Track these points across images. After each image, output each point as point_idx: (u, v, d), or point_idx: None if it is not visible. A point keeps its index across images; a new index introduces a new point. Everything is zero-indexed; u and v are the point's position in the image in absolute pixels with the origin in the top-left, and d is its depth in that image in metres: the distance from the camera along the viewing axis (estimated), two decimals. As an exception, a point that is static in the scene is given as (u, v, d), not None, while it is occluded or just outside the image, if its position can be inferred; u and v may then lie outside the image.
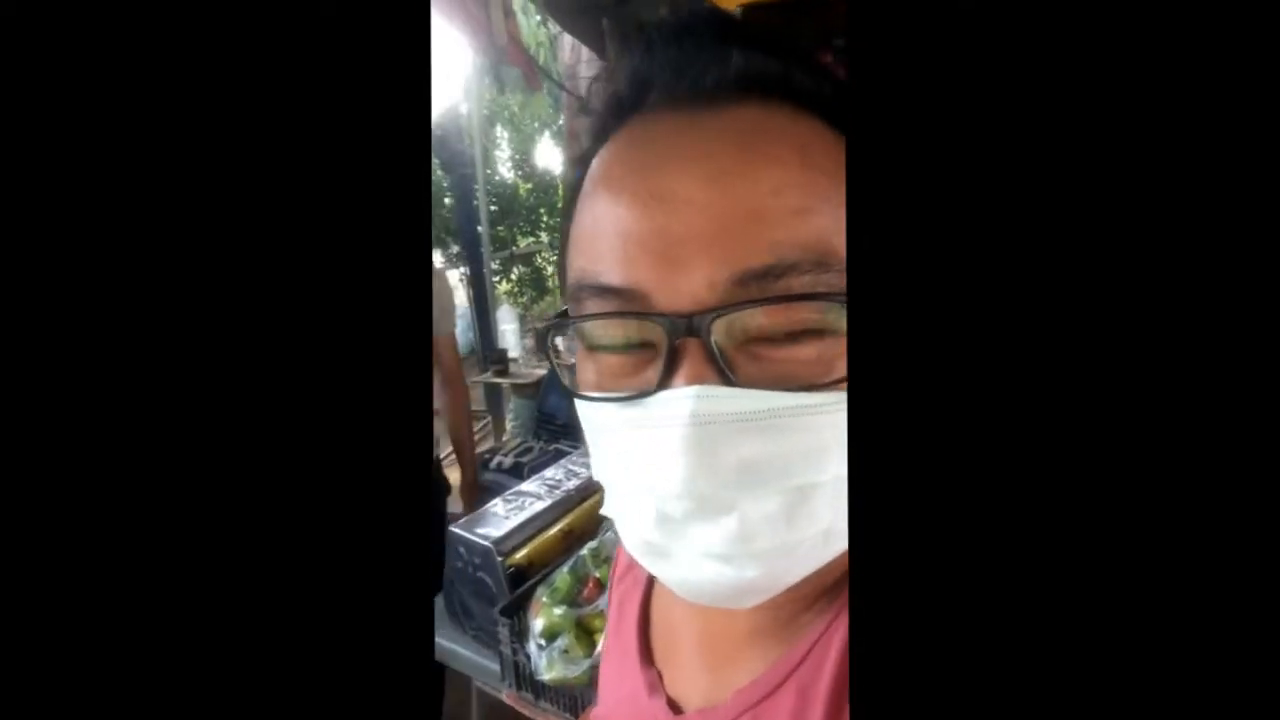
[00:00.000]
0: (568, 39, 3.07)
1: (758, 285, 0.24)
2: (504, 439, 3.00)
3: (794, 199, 0.24)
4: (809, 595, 0.29)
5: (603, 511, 0.30)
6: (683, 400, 0.24)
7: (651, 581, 0.41)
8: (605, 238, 0.26)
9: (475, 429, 3.78)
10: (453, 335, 1.49)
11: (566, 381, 0.30)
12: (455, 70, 3.52)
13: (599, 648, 0.85)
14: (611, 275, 0.26)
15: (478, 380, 3.41)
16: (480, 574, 1.10)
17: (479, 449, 1.96)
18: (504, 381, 3.01)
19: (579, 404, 0.29)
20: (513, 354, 3.25)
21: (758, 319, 0.24)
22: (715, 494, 0.24)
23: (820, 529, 0.25)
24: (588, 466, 1.34)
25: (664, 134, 0.27)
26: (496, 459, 1.86)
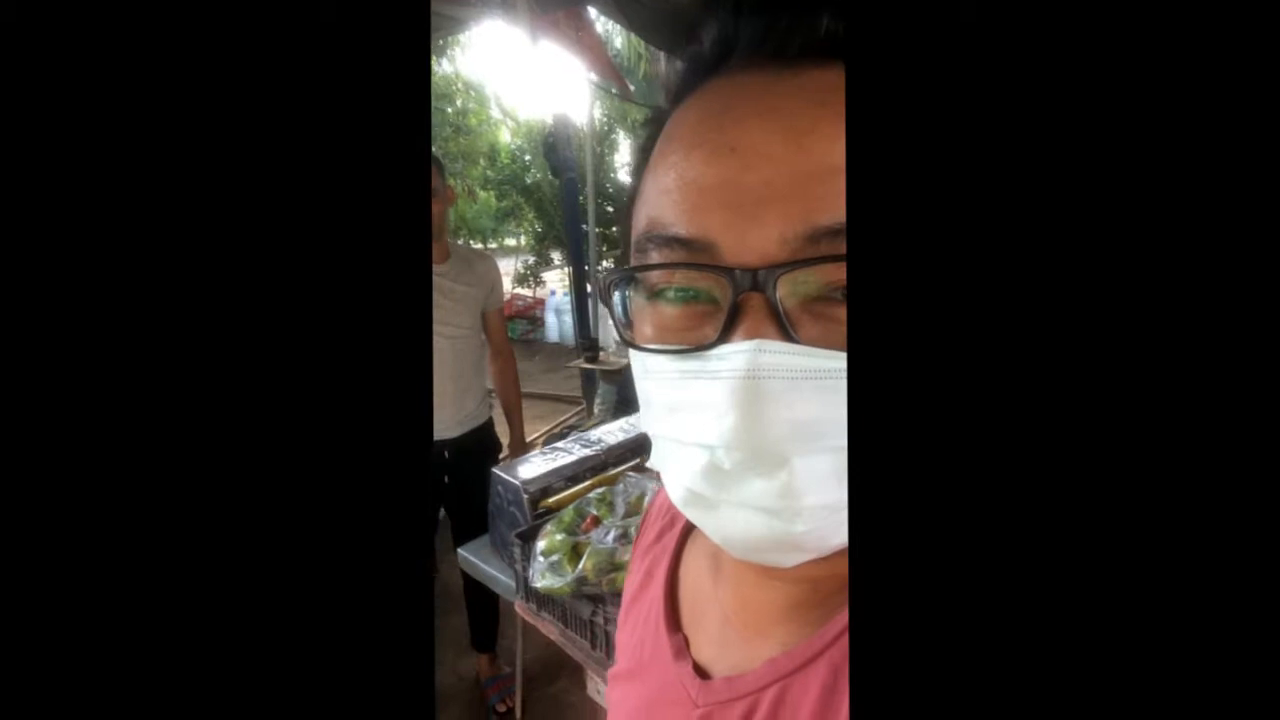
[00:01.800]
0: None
1: (829, 243, 0.23)
2: (591, 420, 3.26)
3: None
4: (843, 575, 0.28)
5: (649, 464, 0.30)
6: (742, 354, 0.24)
7: (679, 552, 0.41)
8: (676, 189, 0.26)
9: (571, 412, 4.08)
10: (501, 310, 1.72)
11: (623, 333, 0.29)
12: (568, 82, 3.85)
13: (579, 568, 1.03)
14: (679, 225, 0.25)
15: (572, 365, 3.72)
16: (512, 508, 1.33)
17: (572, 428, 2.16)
18: (594, 367, 3.26)
19: (634, 356, 0.29)
20: (608, 344, 3.50)
21: (822, 277, 0.24)
22: (767, 448, 0.24)
23: None
24: (624, 431, 1.53)
25: (743, 91, 0.26)
26: (574, 433, 2.09)
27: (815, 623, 0.29)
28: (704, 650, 0.35)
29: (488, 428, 1.74)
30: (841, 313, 0.24)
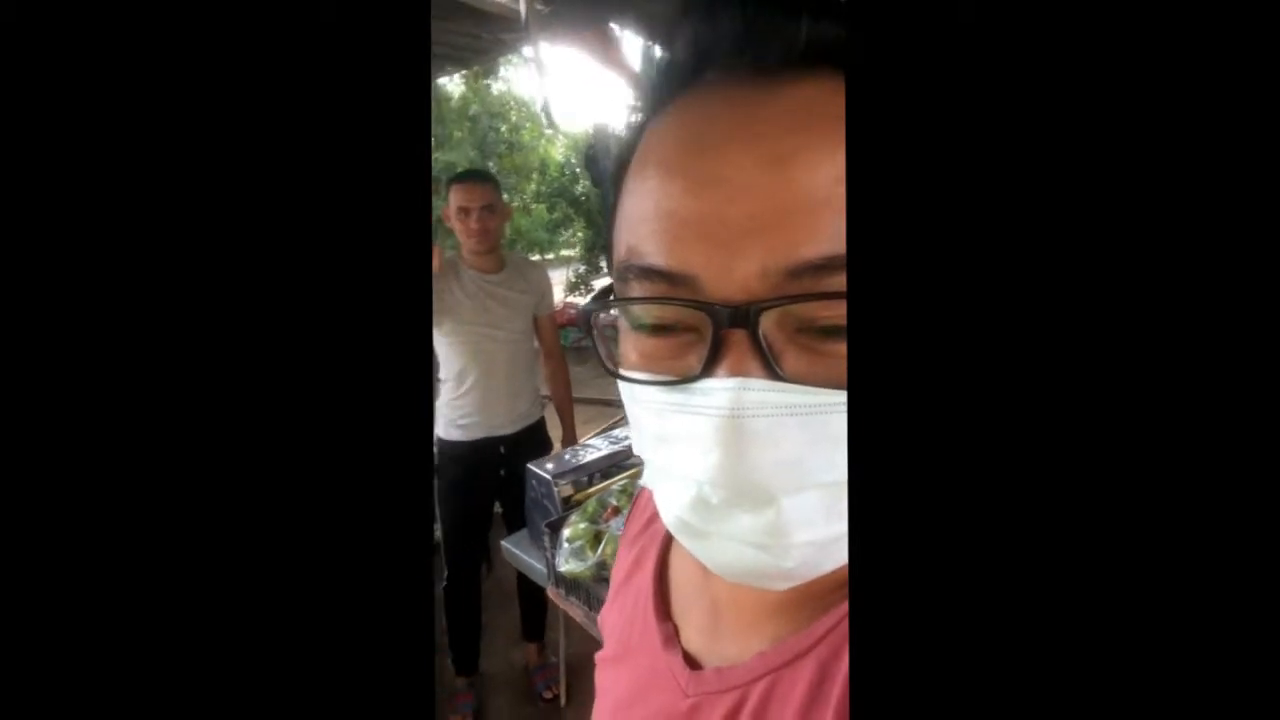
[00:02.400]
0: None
1: (812, 277, 0.23)
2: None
3: None
4: (836, 575, 0.28)
5: (641, 483, 0.30)
6: (724, 391, 0.23)
7: (669, 541, 0.40)
8: (655, 218, 0.25)
9: (620, 414, 4.17)
10: (552, 316, 1.83)
11: (605, 359, 0.29)
12: (606, 94, 3.96)
13: (599, 553, 1.12)
14: (660, 257, 0.25)
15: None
16: (545, 500, 1.43)
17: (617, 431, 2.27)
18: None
19: (620, 383, 0.28)
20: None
21: (807, 311, 0.23)
22: (753, 486, 0.24)
23: None
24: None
25: (721, 111, 0.25)
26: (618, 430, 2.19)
27: (805, 619, 0.29)
28: (693, 640, 0.35)
29: (539, 426, 1.85)
30: (827, 346, 0.24)
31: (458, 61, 2.93)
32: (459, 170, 2.19)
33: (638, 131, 0.28)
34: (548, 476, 1.40)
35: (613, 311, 0.28)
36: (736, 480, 0.24)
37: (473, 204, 1.62)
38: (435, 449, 1.79)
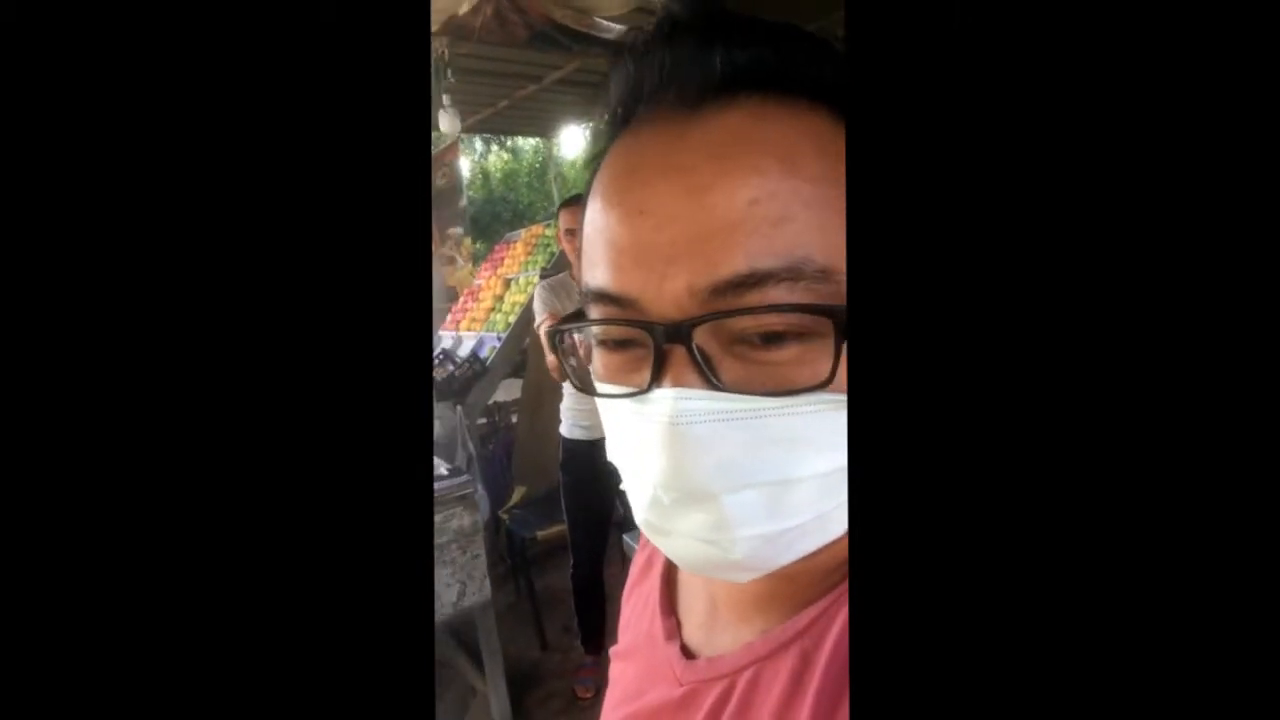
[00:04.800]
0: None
1: (734, 294, 0.25)
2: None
3: (772, 208, 0.25)
4: (820, 569, 0.30)
5: (621, 487, 0.31)
6: (665, 401, 0.26)
7: None
8: (601, 247, 0.28)
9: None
10: None
11: (572, 375, 0.32)
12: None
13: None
14: (606, 282, 0.27)
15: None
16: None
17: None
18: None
19: (595, 395, 0.31)
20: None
21: (737, 325, 0.25)
22: (697, 486, 0.26)
23: (802, 520, 0.27)
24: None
25: (650, 145, 0.27)
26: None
27: (791, 612, 0.31)
28: (694, 634, 0.37)
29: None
30: (761, 354, 0.26)
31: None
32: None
33: (595, 167, 0.31)
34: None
35: (583, 332, 0.31)
36: (681, 482, 0.26)
37: (579, 226, 1.79)
38: (560, 448, 1.98)
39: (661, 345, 0.26)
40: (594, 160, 0.31)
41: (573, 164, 8.54)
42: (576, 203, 1.97)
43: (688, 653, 0.36)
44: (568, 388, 1.90)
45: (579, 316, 0.31)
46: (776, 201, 0.25)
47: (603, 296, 0.28)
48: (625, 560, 1.94)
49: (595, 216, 0.29)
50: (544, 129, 4.61)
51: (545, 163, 8.43)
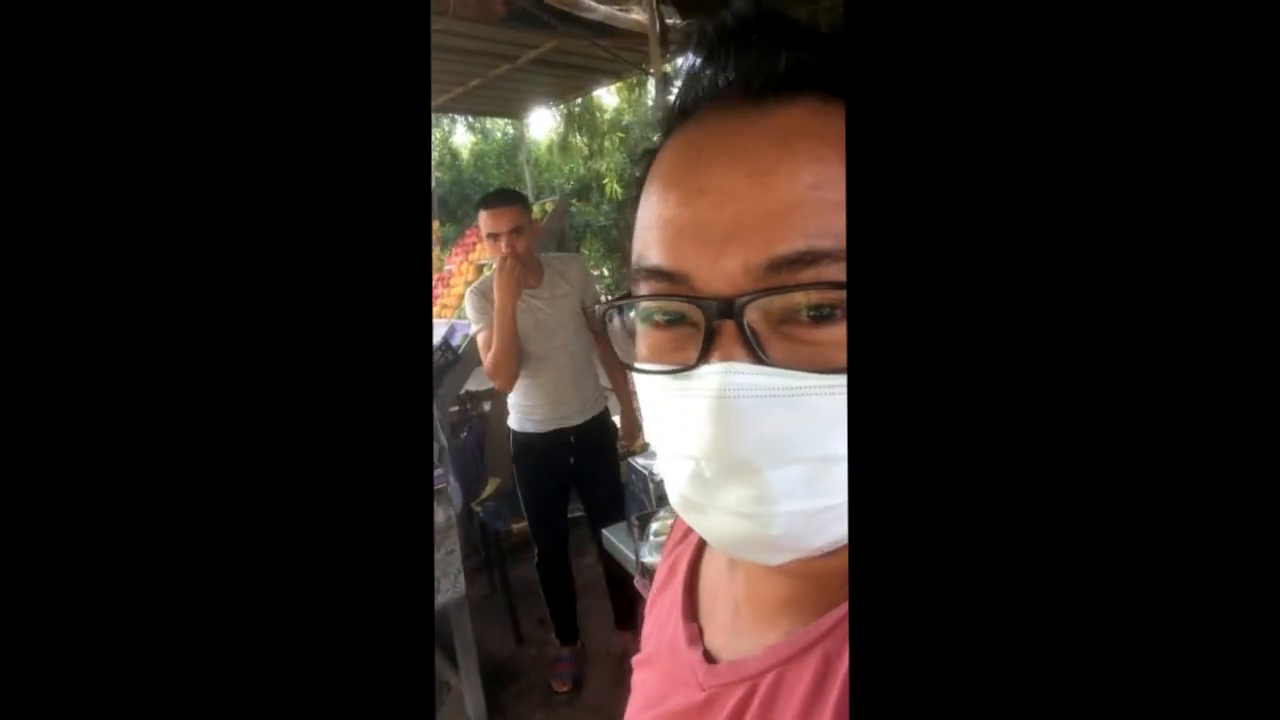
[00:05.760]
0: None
1: (789, 271, 0.26)
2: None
3: (831, 193, 0.26)
4: (843, 571, 0.29)
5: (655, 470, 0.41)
6: (715, 375, 0.27)
7: (701, 549, 0.44)
8: (657, 226, 0.29)
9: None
10: (598, 300, 1.95)
11: (621, 355, 0.33)
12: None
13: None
14: (660, 259, 0.28)
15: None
16: (641, 494, 1.53)
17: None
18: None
19: (634, 374, 0.31)
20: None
21: (788, 302, 0.26)
22: (741, 459, 0.27)
23: (838, 500, 0.27)
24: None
25: (713, 135, 0.29)
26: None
27: (814, 615, 0.31)
28: (715, 638, 0.38)
29: (604, 415, 2.01)
30: (808, 333, 0.27)
31: (613, 75, 3.02)
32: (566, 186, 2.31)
33: (650, 158, 0.32)
34: (644, 470, 1.50)
35: (627, 312, 0.32)
36: (726, 455, 0.27)
37: (500, 229, 1.73)
38: (511, 442, 1.97)
39: (713, 321, 0.27)
40: (646, 155, 0.32)
41: (546, 146, 8.39)
42: (500, 203, 1.77)
43: (710, 657, 0.37)
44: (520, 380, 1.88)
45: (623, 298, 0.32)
46: (834, 188, 0.26)
47: (656, 273, 0.29)
48: (600, 552, 1.93)
49: (654, 199, 0.30)
50: (516, 110, 4.50)
51: (516, 144, 8.28)
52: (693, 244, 0.28)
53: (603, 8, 2.02)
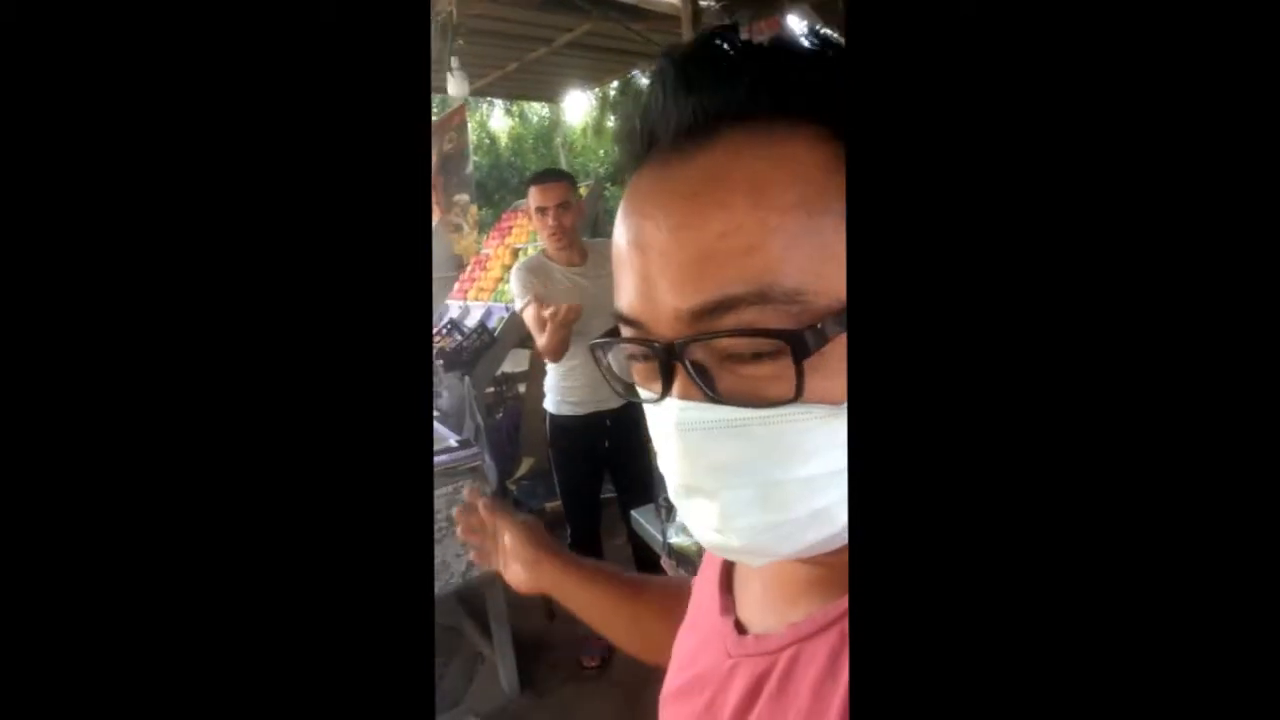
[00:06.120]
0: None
1: (711, 317, 0.28)
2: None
3: (739, 240, 0.27)
4: None
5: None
6: (671, 410, 0.30)
7: None
8: (620, 274, 0.32)
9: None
10: None
11: (613, 384, 0.36)
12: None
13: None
14: (622, 305, 0.32)
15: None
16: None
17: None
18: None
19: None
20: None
21: (720, 344, 0.28)
22: (700, 483, 0.30)
23: (795, 515, 0.29)
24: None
25: (648, 185, 0.30)
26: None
27: (834, 597, 0.33)
28: (747, 611, 0.40)
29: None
30: (748, 369, 0.28)
31: (647, 58, 3.02)
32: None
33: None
34: (672, 453, 1.52)
35: (610, 350, 0.35)
36: (689, 479, 0.30)
37: (549, 203, 1.77)
38: (548, 425, 2.00)
39: (666, 361, 0.30)
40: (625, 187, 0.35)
41: (582, 130, 8.38)
42: (549, 179, 1.79)
43: (740, 628, 0.39)
44: (551, 364, 1.90)
45: (615, 332, 0.34)
46: (743, 234, 0.27)
47: (622, 318, 0.32)
48: (629, 534, 1.96)
49: (617, 246, 0.32)
50: (552, 93, 4.51)
51: (552, 128, 8.29)
52: (639, 294, 0.30)
53: (634, -12, 2.00)
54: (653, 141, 0.31)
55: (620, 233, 0.32)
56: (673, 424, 0.29)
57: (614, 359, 0.36)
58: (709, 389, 0.29)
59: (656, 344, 0.30)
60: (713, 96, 0.29)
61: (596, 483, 2.06)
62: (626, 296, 0.31)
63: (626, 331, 0.32)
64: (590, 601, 0.63)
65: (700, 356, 0.29)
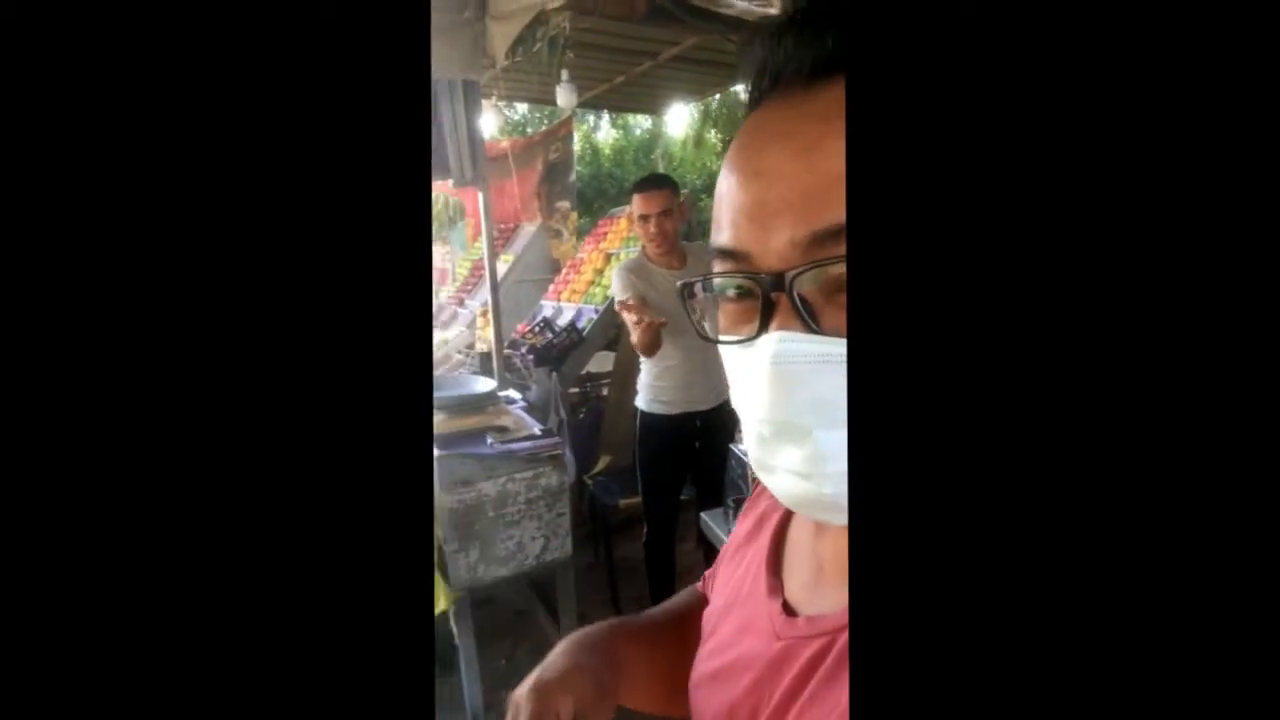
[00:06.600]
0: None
1: (832, 243, 0.27)
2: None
3: None
4: None
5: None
6: (769, 344, 0.29)
7: (790, 511, 0.44)
8: (724, 208, 0.31)
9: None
10: None
11: (698, 326, 0.35)
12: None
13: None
14: (725, 239, 0.31)
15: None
16: (739, 480, 1.56)
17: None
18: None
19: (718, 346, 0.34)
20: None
21: (838, 272, 0.27)
22: (793, 421, 0.29)
23: None
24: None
25: (769, 119, 0.31)
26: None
27: None
28: (796, 594, 0.40)
29: (729, 402, 2.03)
30: None
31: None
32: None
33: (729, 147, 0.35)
34: (744, 456, 1.53)
35: (705, 289, 0.35)
36: (780, 416, 0.30)
37: (651, 210, 1.83)
38: (637, 422, 2.04)
39: (769, 294, 0.29)
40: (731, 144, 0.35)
41: (682, 143, 8.48)
42: (653, 186, 1.85)
43: (789, 610, 0.39)
44: (645, 363, 1.94)
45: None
46: None
47: (723, 253, 0.32)
48: (701, 538, 1.97)
49: (723, 182, 0.32)
50: (655, 106, 4.62)
51: (653, 140, 8.45)
52: (749, 223, 0.30)
53: (740, 3, 2.04)
54: (776, 81, 0.32)
55: (733, 166, 0.32)
56: (768, 358, 0.29)
57: (706, 299, 0.35)
58: (813, 321, 0.29)
59: (763, 275, 0.29)
60: (838, 39, 0.29)
61: (679, 483, 2.09)
62: (732, 230, 0.31)
63: (723, 268, 0.32)
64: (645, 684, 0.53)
65: (808, 289, 0.29)
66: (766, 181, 0.30)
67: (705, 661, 0.44)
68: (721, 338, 0.34)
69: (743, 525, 0.50)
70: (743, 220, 0.30)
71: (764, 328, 0.30)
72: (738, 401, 0.34)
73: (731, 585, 0.46)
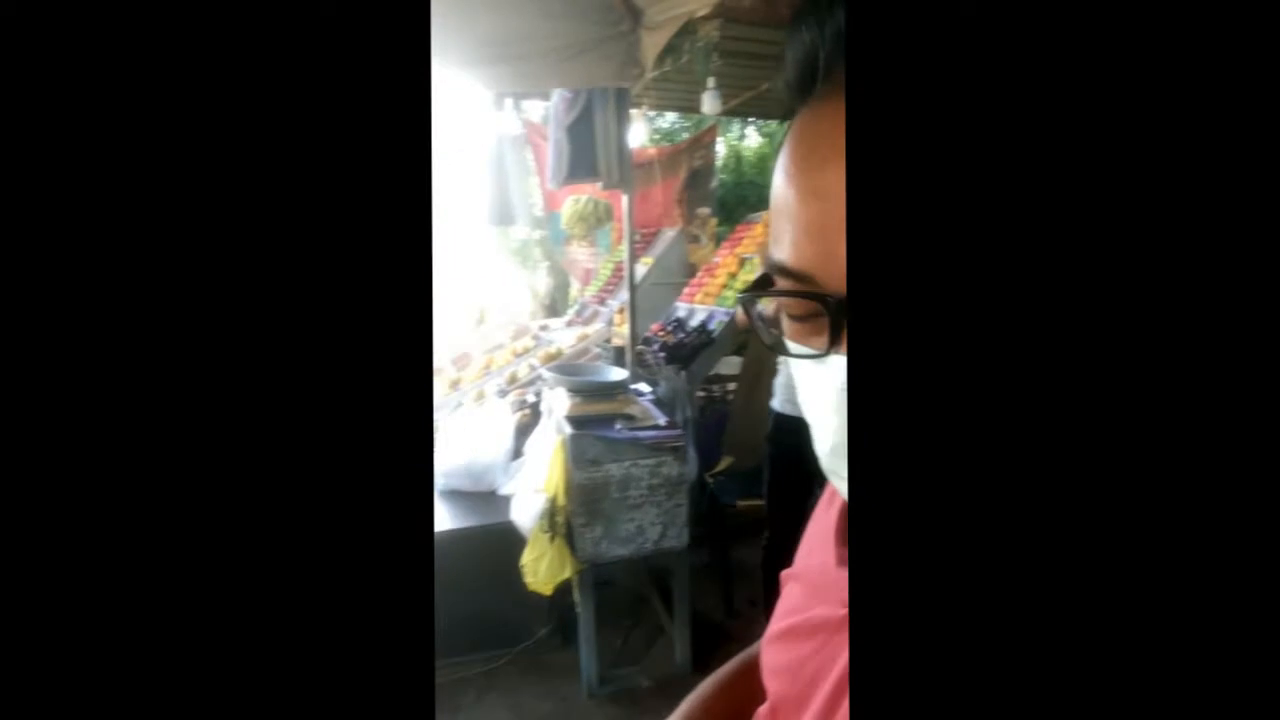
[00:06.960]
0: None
1: None
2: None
3: None
4: None
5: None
6: (839, 369, 0.29)
7: None
8: (782, 224, 0.30)
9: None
10: None
11: (765, 337, 0.35)
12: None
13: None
14: (785, 256, 0.30)
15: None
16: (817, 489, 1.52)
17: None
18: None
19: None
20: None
21: None
22: None
23: None
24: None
25: (824, 124, 0.29)
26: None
27: None
28: None
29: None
30: None
31: None
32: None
33: (782, 142, 0.32)
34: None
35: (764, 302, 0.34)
36: (845, 439, 0.29)
37: None
38: (771, 422, 2.03)
39: (837, 316, 0.29)
40: (782, 138, 0.34)
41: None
42: None
43: None
44: (783, 363, 1.94)
45: (766, 283, 0.33)
46: None
47: (783, 270, 0.31)
48: (822, 547, 1.93)
49: (778, 193, 0.31)
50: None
51: (800, 148, 8.23)
52: (812, 245, 0.29)
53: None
54: (829, 72, 0.29)
55: (790, 180, 0.30)
56: (837, 382, 0.29)
57: (765, 312, 0.35)
58: None
59: (830, 298, 0.29)
60: None
61: (806, 490, 2.06)
62: (794, 250, 0.30)
63: (786, 284, 0.31)
64: None
65: None
66: (827, 205, 0.28)
67: (779, 620, 0.46)
68: (791, 349, 0.33)
69: (821, 501, 0.51)
70: (804, 240, 0.29)
71: (833, 346, 0.30)
72: (807, 407, 0.33)
73: (803, 554, 0.48)
